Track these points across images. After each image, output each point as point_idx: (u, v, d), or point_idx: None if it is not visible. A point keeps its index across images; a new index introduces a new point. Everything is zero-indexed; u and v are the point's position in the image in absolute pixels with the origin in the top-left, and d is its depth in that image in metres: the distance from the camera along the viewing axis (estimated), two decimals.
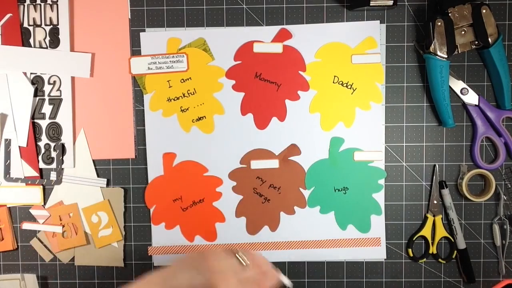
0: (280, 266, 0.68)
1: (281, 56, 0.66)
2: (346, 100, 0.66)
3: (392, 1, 0.61)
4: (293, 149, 0.67)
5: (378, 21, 0.65)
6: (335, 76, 0.66)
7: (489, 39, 0.62)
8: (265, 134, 0.67)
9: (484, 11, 0.62)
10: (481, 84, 0.66)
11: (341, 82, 0.66)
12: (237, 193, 0.67)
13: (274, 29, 0.66)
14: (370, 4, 0.61)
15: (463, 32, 0.63)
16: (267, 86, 0.66)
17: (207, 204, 0.67)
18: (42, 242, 0.68)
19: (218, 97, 0.67)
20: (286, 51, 0.66)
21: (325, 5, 0.66)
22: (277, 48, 0.66)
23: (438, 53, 0.62)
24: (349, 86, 0.66)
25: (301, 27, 0.66)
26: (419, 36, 0.66)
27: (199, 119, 0.67)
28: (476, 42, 0.63)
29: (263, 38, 0.66)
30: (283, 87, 0.66)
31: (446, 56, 0.62)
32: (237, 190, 0.67)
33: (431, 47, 0.62)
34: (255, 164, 0.67)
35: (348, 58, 0.66)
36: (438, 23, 0.62)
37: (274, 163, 0.67)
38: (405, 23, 0.66)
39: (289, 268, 0.68)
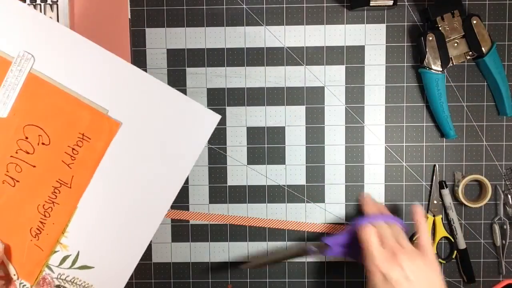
0: (280, 265, 0.68)
1: None
2: None
3: (392, 1, 0.61)
4: None
5: None
6: None
7: (483, 49, 0.63)
8: None
9: (474, 21, 0.62)
10: (481, 91, 0.66)
11: None
12: None
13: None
14: (370, 4, 0.61)
15: (455, 44, 0.64)
16: None
17: None
18: None
19: None
20: None
21: (325, 5, 0.66)
22: None
23: (433, 66, 0.63)
24: None
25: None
26: (419, 36, 0.66)
27: None
28: (470, 53, 0.64)
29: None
30: None
31: (440, 69, 0.63)
32: None
33: (425, 61, 0.63)
34: None
35: None
36: (430, 37, 0.62)
37: None
38: (405, 23, 0.66)
39: (289, 268, 0.68)
